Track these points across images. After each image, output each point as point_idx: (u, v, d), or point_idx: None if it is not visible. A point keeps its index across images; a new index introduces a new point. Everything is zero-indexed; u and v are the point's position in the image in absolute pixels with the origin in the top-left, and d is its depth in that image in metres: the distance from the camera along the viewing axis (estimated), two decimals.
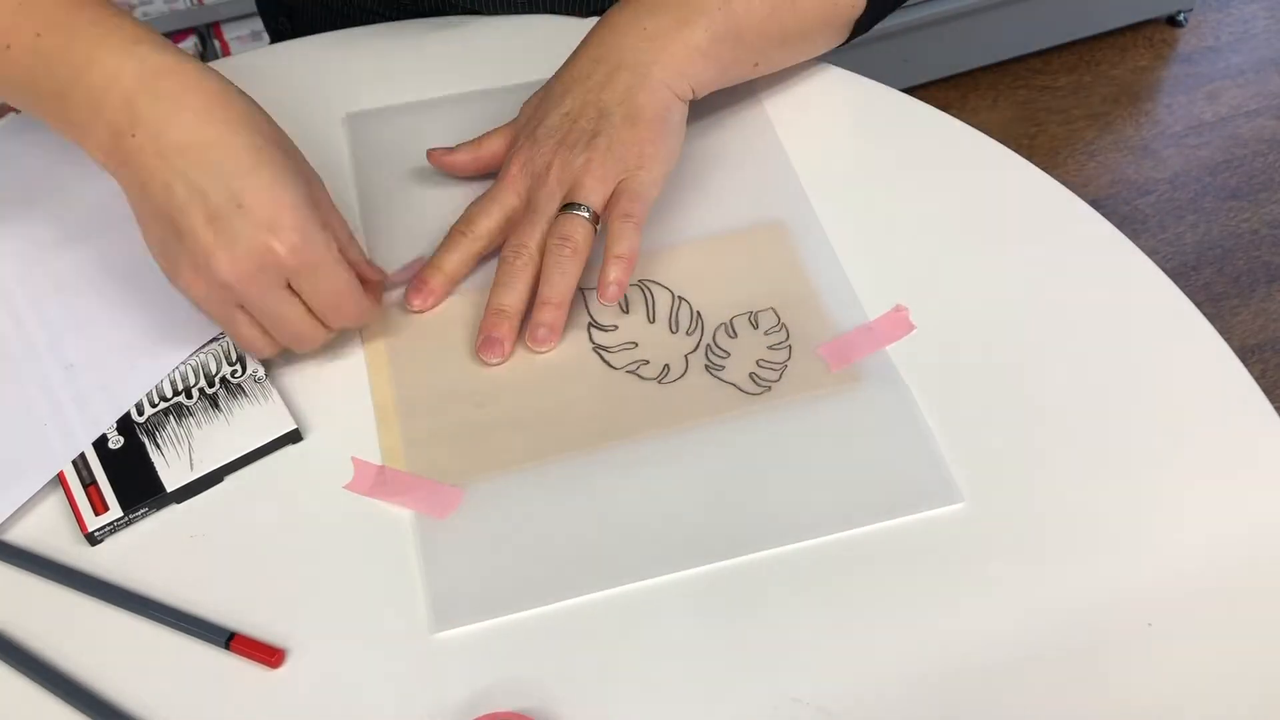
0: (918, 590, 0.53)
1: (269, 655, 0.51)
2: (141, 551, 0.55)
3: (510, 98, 0.74)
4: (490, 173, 0.67)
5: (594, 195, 0.61)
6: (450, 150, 0.68)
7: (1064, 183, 0.69)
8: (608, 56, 0.64)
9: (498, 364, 0.60)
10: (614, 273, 0.60)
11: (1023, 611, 0.52)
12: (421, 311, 0.63)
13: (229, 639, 0.51)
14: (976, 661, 0.51)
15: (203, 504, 0.57)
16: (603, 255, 0.60)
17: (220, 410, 0.59)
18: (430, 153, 0.68)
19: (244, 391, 0.59)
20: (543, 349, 0.61)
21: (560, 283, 0.60)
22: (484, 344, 0.60)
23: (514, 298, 0.61)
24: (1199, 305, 0.63)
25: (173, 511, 0.56)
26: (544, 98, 0.66)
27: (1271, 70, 2.08)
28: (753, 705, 0.50)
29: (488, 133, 0.68)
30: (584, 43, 0.66)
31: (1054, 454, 0.57)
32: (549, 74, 0.67)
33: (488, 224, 0.63)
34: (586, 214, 0.61)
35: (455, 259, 0.63)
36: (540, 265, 0.61)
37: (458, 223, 0.64)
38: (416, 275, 0.63)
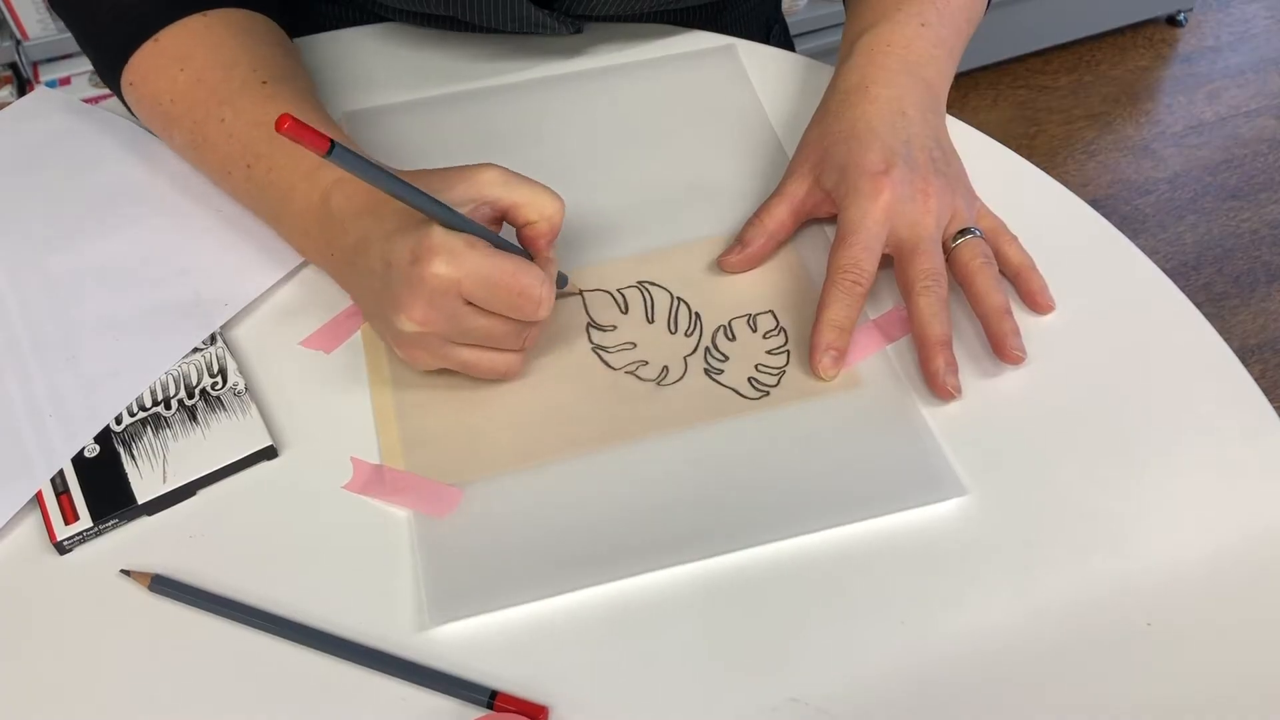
0: (917, 592, 0.53)
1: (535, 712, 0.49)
2: (142, 550, 0.55)
3: (507, 97, 0.74)
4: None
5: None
6: (740, 246, 0.65)
7: (1064, 183, 0.69)
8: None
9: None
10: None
11: (1022, 612, 0.52)
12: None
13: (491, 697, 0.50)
14: (977, 661, 0.50)
15: (201, 504, 0.57)
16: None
17: (198, 422, 0.58)
18: (723, 261, 0.65)
19: (223, 405, 0.59)
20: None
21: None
22: (947, 374, 0.59)
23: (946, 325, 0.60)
24: (1199, 305, 0.63)
25: (174, 511, 0.56)
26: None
27: (1271, 70, 2.08)
28: (753, 705, 0.50)
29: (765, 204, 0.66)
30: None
31: (1053, 455, 0.57)
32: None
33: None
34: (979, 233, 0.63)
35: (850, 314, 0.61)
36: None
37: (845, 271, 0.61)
38: (822, 344, 0.60)
